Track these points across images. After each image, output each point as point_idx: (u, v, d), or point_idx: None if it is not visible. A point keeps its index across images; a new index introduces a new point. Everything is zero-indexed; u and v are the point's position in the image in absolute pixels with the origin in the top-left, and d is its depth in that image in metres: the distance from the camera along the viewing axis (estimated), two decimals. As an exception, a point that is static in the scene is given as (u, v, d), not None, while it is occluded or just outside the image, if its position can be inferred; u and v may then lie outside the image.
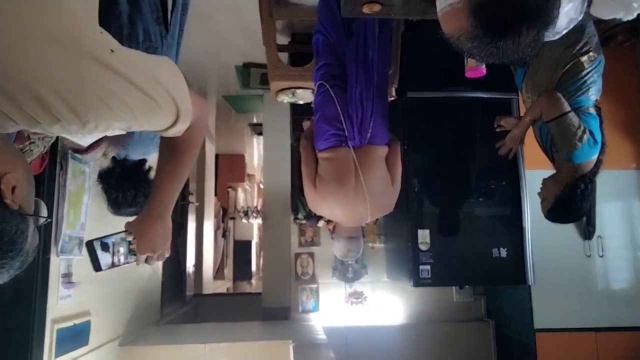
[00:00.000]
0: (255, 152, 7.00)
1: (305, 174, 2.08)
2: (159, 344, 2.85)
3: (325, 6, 2.05)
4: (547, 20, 0.86)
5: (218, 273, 6.26)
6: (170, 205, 1.09)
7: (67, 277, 2.16)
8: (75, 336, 2.26)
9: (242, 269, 7.12)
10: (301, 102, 3.01)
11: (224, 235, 6.55)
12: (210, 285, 5.68)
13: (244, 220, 6.97)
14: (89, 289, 2.38)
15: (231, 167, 6.31)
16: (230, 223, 6.97)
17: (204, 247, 5.19)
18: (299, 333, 3.16)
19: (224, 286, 6.48)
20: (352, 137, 1.90)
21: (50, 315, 2.05)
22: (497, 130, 2.26)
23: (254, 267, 7.45)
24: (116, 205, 1.88)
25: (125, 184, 1.87)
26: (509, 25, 0.82)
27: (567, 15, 1.12)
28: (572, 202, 1.87)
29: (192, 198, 4.63)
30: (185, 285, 4.44)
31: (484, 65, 1.89)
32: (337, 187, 1.92)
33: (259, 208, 7.07)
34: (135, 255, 1.14)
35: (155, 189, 1.09)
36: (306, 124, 2.27)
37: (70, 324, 2.19)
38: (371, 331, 3.61)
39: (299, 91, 2.81)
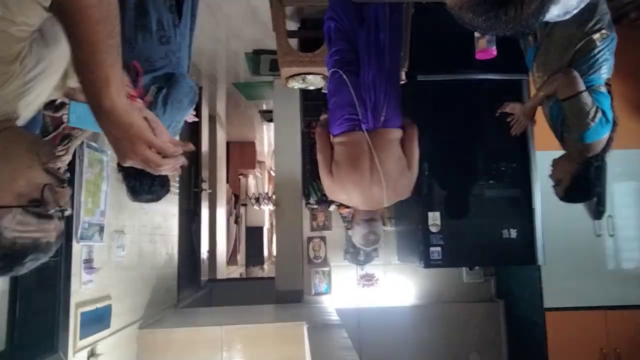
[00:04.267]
0: (265, 138, 7.03)
1: (321, 160, 2.09)
2: (177, 327, 2.94)
3: None
4: None
5: (231, 259, 6.37)
6: (93, 85, 0.76)
7: (88, 263, 2.24)
8: (98, 319, 2.35)
9: (254, 255, 7.22)
10: (311, 88, 3.04)
11: (236, 222, 6.64)
12: (224, 270, 5.79)
13: (256, 207, 7.04)
14: (109, 274, 2.46)
15: (242, 154, 6.37)
16: (242, 209, 7.05)
17: (217, 233, 5.28)
18: (312, 315, 3.24)
19: (237, 272, 6.59)
20: (366, 120, 1.92)
21: (74, 299, 2.13)
22: (500, 113, 2.28)
23: (265, 253, 7.55)
24: (134, 192, 1.94)
25: (142, 172, 1.92)
26: None
27: None
28: (589, 180, 1.90)
29: (205, 185, 4.70)
30: (200, 270, 4.54)
31: (494, 47, 1.90)
32: (352, 170, 1.94)
33: (269, 194, 7.14)
34: None
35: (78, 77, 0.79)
36: (324, 116, 2.28)
37: (92, 307, 2.27)
38: (382, 312, 3.68)
39: (309, 77, 2.84)
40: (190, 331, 2.92)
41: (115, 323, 2.51)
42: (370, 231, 2.05)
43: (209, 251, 4.94)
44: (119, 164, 2.01)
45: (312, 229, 3.80)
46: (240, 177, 6.86)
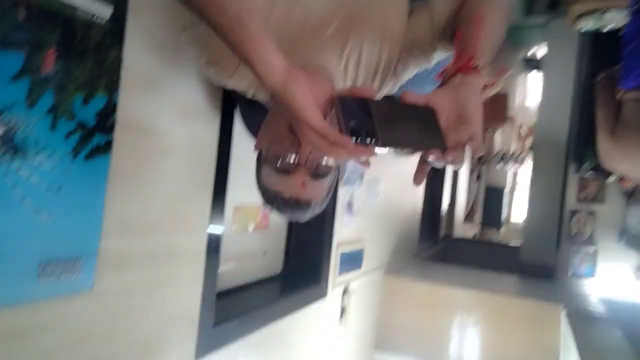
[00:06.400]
0: (521, 91, 6.30)
1: (601, 118, 1.75)
2: (419, 280, 2.94)
3: None
4: None
5: (467, 217, 6.12)
6: (247, 66, 0.71)
7: (349, 207, 2.37)
8: (353, 260, 2.50)
9: (491, 216, 6.79)
10: (607, 29, 2.45)
11: (477, 179, 6.30)
12: (460, 228, 5.60)
13: (499, 166, 6.52)
14: (363, 219, 2.57)
15: (491, 108, 5.83)
16: (484, 167, 6.62)
17: (458, 189, 5.09)
18: (569, 299, 2.80)
19: (471, 231, 6.32)
20: None
21: (336, 238, 2.29)
22: None
23: (504, 216, 7.02)
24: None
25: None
26: None
27: None
28: None
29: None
30: (439, 225, 4.48)
31: None
32: None
33: (517, 154, 6.49)
34: None
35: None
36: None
37: (350, 248, 2.43)
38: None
39: (608, 14, 2.27)
40: (430, 286, 2.89)
41: (365, 265, 2.64)
42: None
43: (448, 207, 4.82)
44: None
45: (579, 201, 3.23)
46: (486, 132, 6.38)
